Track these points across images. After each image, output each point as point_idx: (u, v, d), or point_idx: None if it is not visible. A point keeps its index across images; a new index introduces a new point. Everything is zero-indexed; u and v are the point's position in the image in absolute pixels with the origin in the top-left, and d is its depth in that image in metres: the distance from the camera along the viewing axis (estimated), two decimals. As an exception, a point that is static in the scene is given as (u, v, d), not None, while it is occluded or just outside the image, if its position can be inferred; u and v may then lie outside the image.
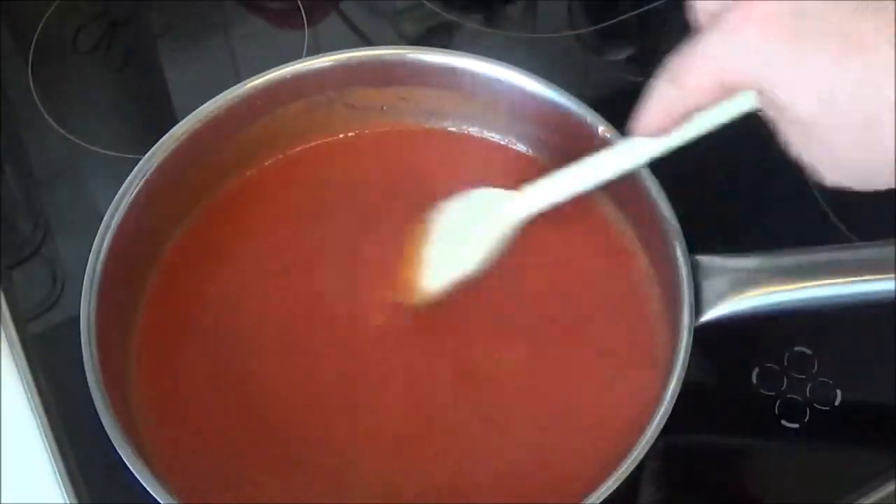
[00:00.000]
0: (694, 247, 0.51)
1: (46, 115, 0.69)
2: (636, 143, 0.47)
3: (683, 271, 0.50)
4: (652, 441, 0.45)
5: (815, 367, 0.57)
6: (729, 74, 0.40)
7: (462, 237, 0.52)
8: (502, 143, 0.61)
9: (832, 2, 0.37)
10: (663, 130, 0.44)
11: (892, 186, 0.39)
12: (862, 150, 0.38)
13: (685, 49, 0.41)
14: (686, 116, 0.43)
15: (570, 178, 0.50)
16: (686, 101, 0.42)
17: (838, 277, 0.50)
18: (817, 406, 0.56)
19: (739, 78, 0.40)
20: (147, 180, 0.54)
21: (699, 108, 0.43)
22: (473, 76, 0.58)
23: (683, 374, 0.47)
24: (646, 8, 0.74)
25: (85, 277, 0.51)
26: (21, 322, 0.60)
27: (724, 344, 0.54)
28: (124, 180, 0.54)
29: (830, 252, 0.51)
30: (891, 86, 0.36)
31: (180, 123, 0.56)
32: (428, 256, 0.53)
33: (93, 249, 0.52)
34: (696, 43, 0.41)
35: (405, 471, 0.50)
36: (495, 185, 0.53)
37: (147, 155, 0.55)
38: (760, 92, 0.40)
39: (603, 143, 0.54)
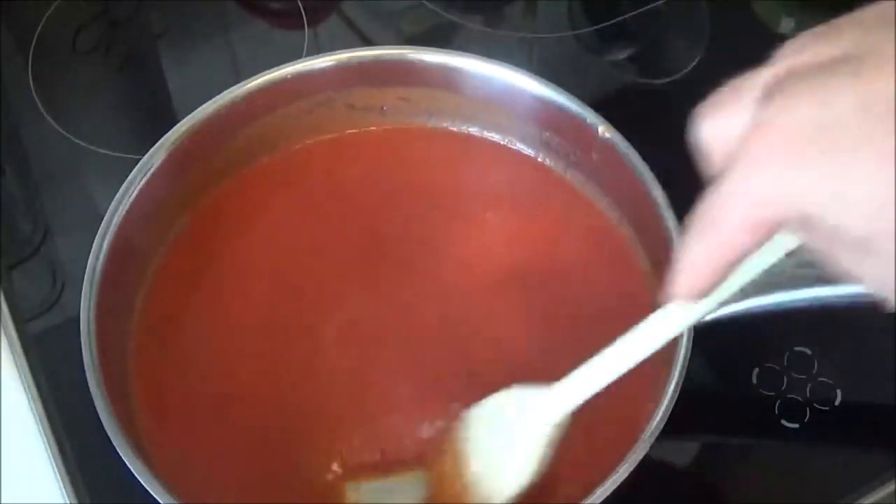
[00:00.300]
0: (694, 247, 0.51)
1: (46, 115, 0.69)
2: (675, 310, 0.42)
3: (683, 271, 0.50)
4: (652, 441, 0.45)
5: (815, 367, 0.57)
6: (766, 211, 0.35)
7: (505, 454, 0.47)
8: (502, 143, 0.60)
9: (865, 104, 0.33)
10: (706, 290, 0.39)
11: None
12: None
13: (708, 198, 0.37)
14: (728, 269, 0.38)
15: (607, 363, 0.45)
16: (724, 252, 0.37)
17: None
18: (817, 406, 0.56)
19: (778, 212, 0.35)
20: (147, 180, 0.54)
21: (741, 257, 0.37)
22: (473, 76, 0.58)
23: (683, 374, 0.47)
24: (646, 8, 0.74)
25: (85, 277, 0.51)
26: (21, 322, 0.60)
27: (724, 344, 0.54)
28: (124, 180, 0.54)
29: (830, 252, 0.51)
30: None
31: (180, 123, 0.56)
32: (472, 478, 0.47)
33: (93, 249, 0.52)
34: (720, 186, 0.36)
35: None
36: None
37: (147, 155, 0.55)
38: (805, 221, 0.35)
39: (602, 153, 0.54)
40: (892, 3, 0.36)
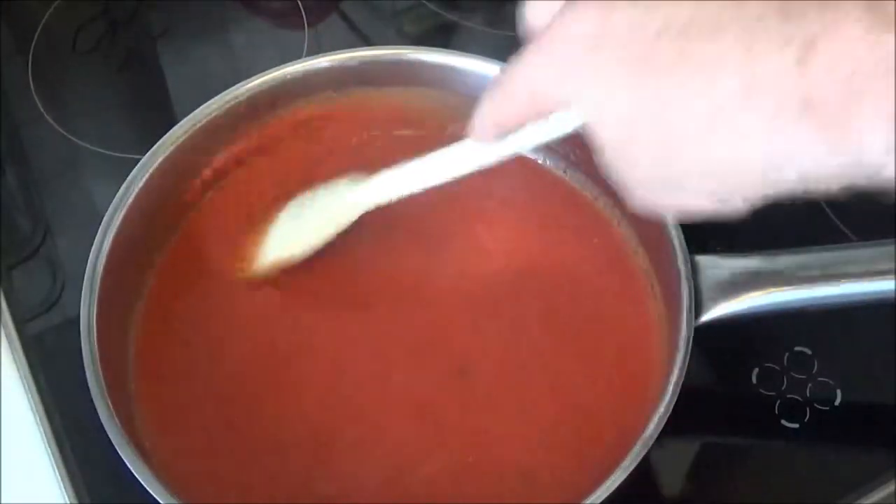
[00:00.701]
0: (694, 247, 0.51)
1: (46, 115, 0.69)
2: (473, 147, 0.48)
3: (683, 271, 0.50)
4: (652, 441, 0.45)
5: (815, 367, 0.57)
6: (539, 91, 0.41)
7: (305, 221, 0.55)
8: (502, 143, 0.60)
9: (637, 25, 0.37)
10: (492, 138, 0.46)
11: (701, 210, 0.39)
12: (663, 167, 0.38)
13: (508, 66, 0.42)
14: (509, 127, 0.44)
15: (412, 172, 0.51)
16: (507, 113, 0.44)
17: (838, 277, 0.50)
18: (817, 406, 0.56)
19: (548, 95, 0.41)
20: (147, 180, 0.54)
21: (519, 121, 0.44)
22: (473, 76, 0.58)
23: (683, 374, 0.47)
24: (646, 8, 0.74)
25: (85, 277, 0.51)
26: (21, 322, 0.60)
27: (724, 344, 0.54)
28: (124, 180, 0.54)
29: (830, 252, 0.51)
30: (679, 107, 0.36)
31: (180, 123, 0.56)
32: (273, 233, 0.55)
33: (93, 249, 0.52)
34: (516, 63, 0.42)
35: (405, 475, 0.50)
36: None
37: (147, 155, 0.55)
38: (569, 111, 0.40)
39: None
40: None
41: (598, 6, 0.39)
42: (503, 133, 0.45)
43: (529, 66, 0.41)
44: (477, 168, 0.49)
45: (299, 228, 0.55)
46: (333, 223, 0.55)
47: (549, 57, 0.40)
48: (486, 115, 0.45)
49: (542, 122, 0.43)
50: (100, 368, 0.48)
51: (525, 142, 0.45)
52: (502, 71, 0.43)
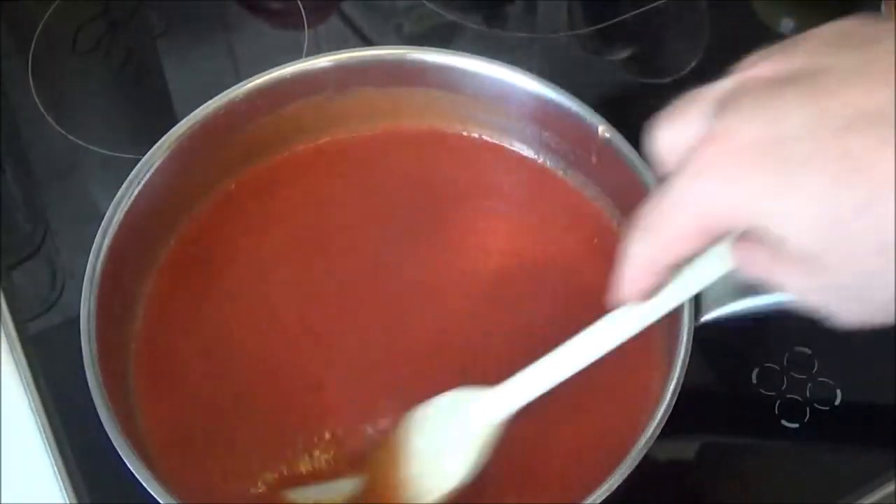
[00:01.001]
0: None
1: (46, 115, 0.69)
2: (622, 314, 0.43)
3: (683, 271, 0.50)
4: (652, 441, 0.45)
5: (815, 367, 0.57)
6: (712, 218, 0.36)
7: (441, 454, 0.47)
8: (502, 143, 0.60)
9: (818, 121, 0.33)
10: (648, 292, 0.40)
11: None
12: (879, 277, 0.34)
13: (655, 198, 0.37)
14: (669, 272, 0.39)
15: (551, 366, 0.46)
16: (668, 254, 0.38)
17: (838, 277, 0.50)
18: (817, 406, 0.56)
19: (725, 219, 0.36)
20: (147, 180, 0.54)
21: (680, 261, 0.39)
22: (473, 76, 0.58)
23: (683, 374, 0.47)
24: (646, 8, 0.74)
25: (85, 277, 0.51)
26: (21, 322, 0.60)
27: (724, 344, 0.54)
28: (124, 180, 0.54)
29: (830, 252, 0.51)
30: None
31: (180, 123, 0.56)
32: (408, 478, 0.48)
33: (93, 249, 0.52)
34: (669, 188, 0.37)
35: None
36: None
37: (147, 155, 0.55)
38: (750, 232, 0.36)
39: (602, 154, 0.54)
40: (856, 21, 0.36)
41: (761, 102, 0.34)
42: (661, 281, 0.40)
43: (695, 190, 0.36)
44: (628, 336, 0.44)
45: (438, 464, 0.47)
46: (476, 446, 0.47)
47: (719, 174, 0.35)
48: (639, 264, 0.39)
49: (707, 256, 0.38)
50: (100, 368, 0.48)
51: (691, 288, 0.41)
52: (649, 209, 0.38)
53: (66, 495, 0.54)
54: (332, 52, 0.59)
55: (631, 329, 0.44)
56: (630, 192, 0.54)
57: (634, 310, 0.42)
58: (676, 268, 0.39)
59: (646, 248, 0.38)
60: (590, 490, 0.44)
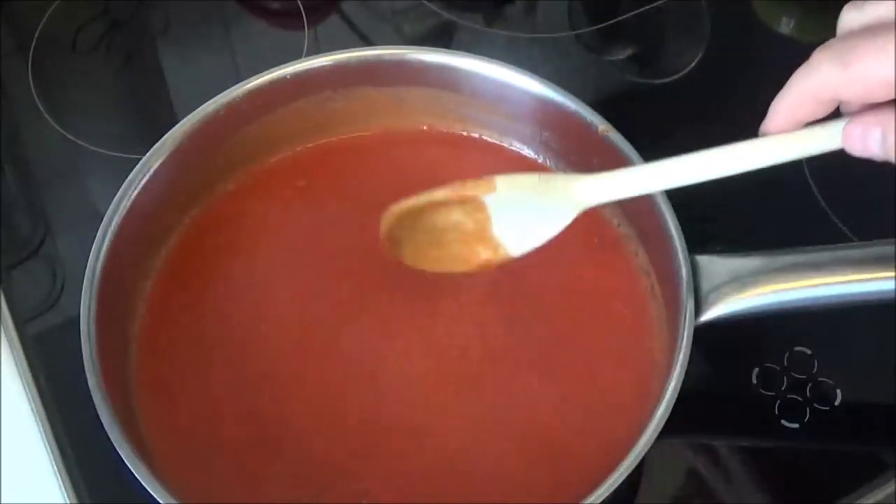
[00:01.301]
0: (694, 247, 0.51)
1: (46, 115, 0.69)
2: (754, 146, 0.44)
3: (683, 271, 0.50)
4: (652, 441, 0.45)
5: (815, 367, 0.57)
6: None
7: (531, 214, 0.50)
8: (502, 143, 0.61)
9: None
10: (802, 118, 0.41)
11: None
12: None
13: (852, 36, 0.39)
14: (831, 105, 0.40)
15: (655, 173, 0.48)
16: (848, 87, 0.39)
17: (838, 277, 0.50)
18: (817, 406, 0.56)
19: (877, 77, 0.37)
20: (147, 180, 0.54)
21: (856, 101, 0.40)
22: (473, 76, 0.58)
23: (683, 374, 0.47)
24: (646, 8, 0.74)
25: (85, 277, 0.51)
26: (21, 322, 0.60)
27: (724, 344, 0.54)
28: (124, 180, 0.54)
29: (830, 252, 0.51)
30: None
31: (180, 123, 0.56)
32: (499, 232, 0.51)
33: (93, 249, 0.52)
34: (872, 34, 0.38)
35: (408, 468, 0.50)
36: None
37: (147, 155, 0.55)
38: None
39: (602, 154, 0.54)
40: None
41: None
42: (821, 111, 0.41)
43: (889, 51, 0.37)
44: (761, 165, 0.44)
45: (530, 222, 0.51)
46: (562, 218, 0.50)
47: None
48: (811, 86, 0.40)
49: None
50: (100, 368, 0.48)
51: (815, 146, 0.42)
52: (844, 40, 0.39)
53: (66, 495, 0.54)
54: (332, 52, 0.59)
55: (765, 157, 0.44)
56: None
57: (775, 139, 0.43)
58: (836, 103, 0.41)
59: (828, 72, 0.39)
60: (589, 490, 0.44)
